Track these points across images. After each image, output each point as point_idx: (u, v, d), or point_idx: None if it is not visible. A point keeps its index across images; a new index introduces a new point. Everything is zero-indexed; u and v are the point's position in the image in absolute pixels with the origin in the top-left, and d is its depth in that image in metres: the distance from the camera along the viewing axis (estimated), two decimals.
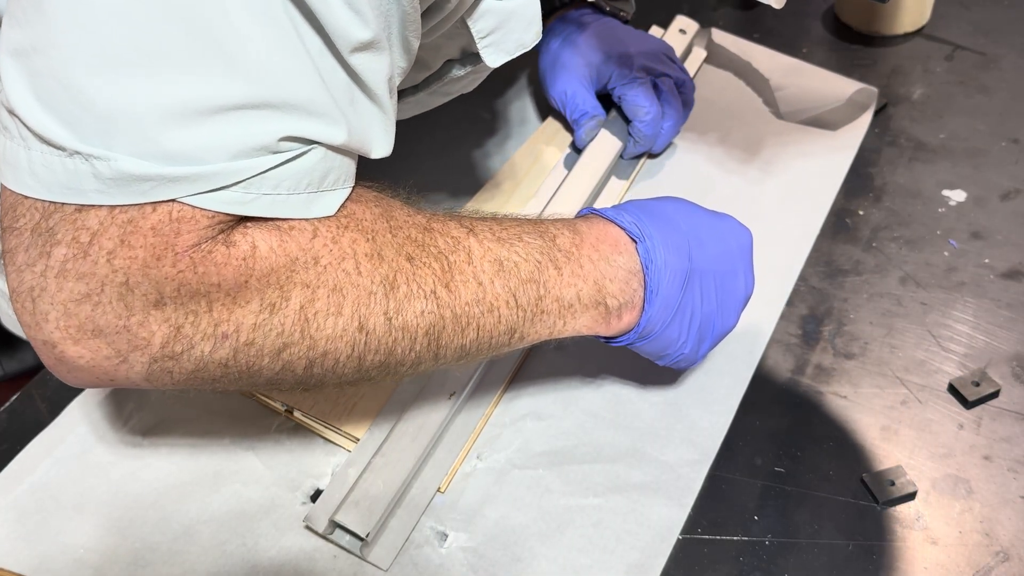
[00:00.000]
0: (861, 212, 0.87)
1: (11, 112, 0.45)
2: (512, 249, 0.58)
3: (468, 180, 0.89)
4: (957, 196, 0.88)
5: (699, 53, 1.01)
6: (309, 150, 0.48)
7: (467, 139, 0.93)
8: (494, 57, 0.62)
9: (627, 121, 0.88)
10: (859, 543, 0.65)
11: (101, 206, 0.45)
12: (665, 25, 1.01)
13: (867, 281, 0.81)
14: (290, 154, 0.47)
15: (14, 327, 0.84)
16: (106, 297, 0.46)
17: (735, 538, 0.66)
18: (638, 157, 0.90)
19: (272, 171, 0.47)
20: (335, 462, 0.70)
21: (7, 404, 0.74)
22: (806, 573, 0.64)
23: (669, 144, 0.91)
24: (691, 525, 0.66)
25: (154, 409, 0.72)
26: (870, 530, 0.66)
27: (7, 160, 0.46)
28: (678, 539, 0.66)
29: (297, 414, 0.71)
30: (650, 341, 0.63)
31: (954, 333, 0.77)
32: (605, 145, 0.88)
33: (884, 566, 0.64)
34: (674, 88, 0.88)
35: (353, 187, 0.53)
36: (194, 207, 0.46)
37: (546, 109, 0.95)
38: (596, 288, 0.60)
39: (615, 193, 0.87)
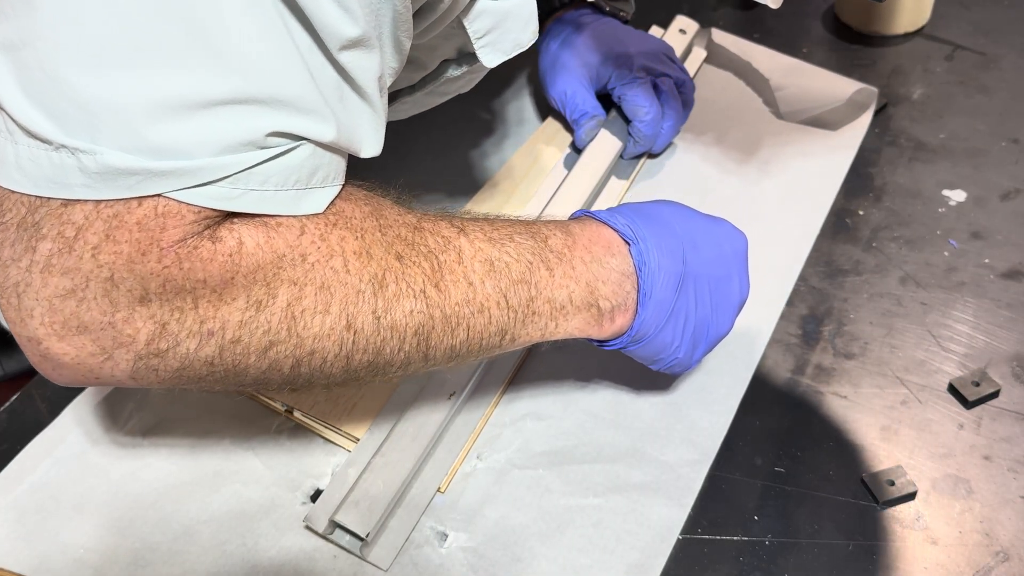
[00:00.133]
0: (861, 212, 0.87)
1: None
2: (503, 249, 0.57)
3: (466, 180, 0.89)
4: (957, 196, 0.88)
5: (699, 53, 1.01)
6: (297, 146, 0.48)
7: (465, 139, 0.93)
8: (491, 57, 0.62)
9: (627, 121, 0.88)
10: (859, 543, 0.65)
11: (87, 200, 0.45)
12: (665, 25, 1.01)
13: (867, 281, 0.81)
14: (278, 150, 0.47)
15: None
16: (91, 293, 0.45)
17: (735, 538, 0.66)
18: (638, 157, 0.90)
19: (259, 167, 0.47)
20: (335, 462, 0.70)
21: (7, 404, 0.74)
22: (806, 573, 0.64)
23: (669, 144, 0.91)
24: (691, 525, 0.66)
25: (154, 409, 0.72)
26: (870, 530, 0.66)
27: None
28: (678, 539, 0.66)
29: (297, 414, 0.71)
30: (643, 345, 0.62)
31: (954, 333, 0.77)
32: (605, 145, 0.88)
33: (884, 566, 0.64)
34: (674, 88, 0.88)
35: (343, 185, 0.52)
36: (180, 202, 0.45)
37: (545, 109, 0.95)
38: (588, 290, 0.59)
39: (615, 193, 0.88)
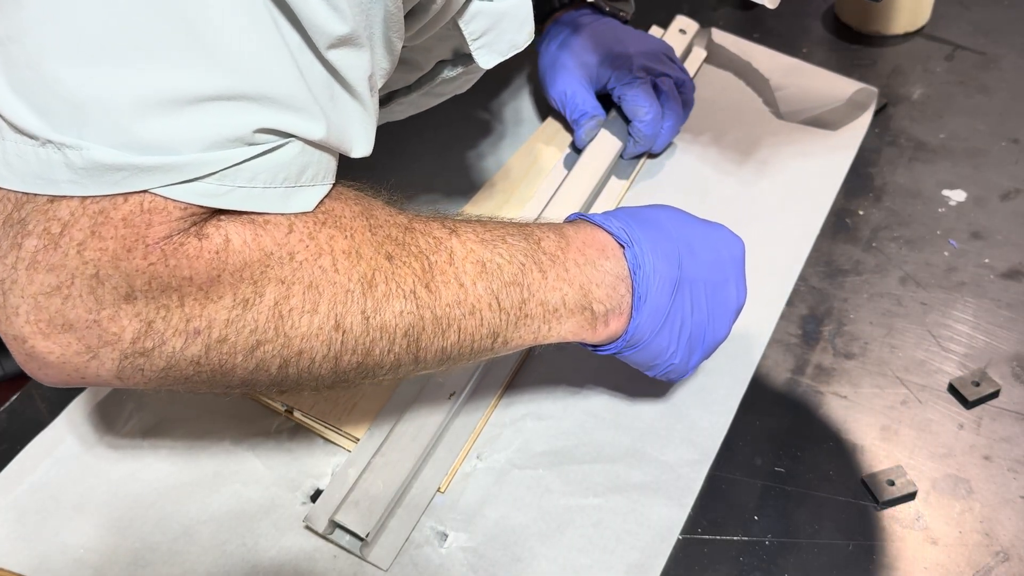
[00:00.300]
0: (861, 212, 0.87)
1: None
2: (495, 251, 0.57)
3: (464, 181, 0.89)
4: (957, 196, 0.88)
5: (699, 53, 1.01)
6: (286, 143, 0.47)
7: (464, 140, 0.93)
8: (487, 58, 0.61)
9: (627, 121, 0.88)
10: (859, 543, 0.65)
11: (73, 197, 0.44)
12: (665, 25, 1.01)
13: (867, 281, 0.81)
14: (266, 146, 0.47)
15: None
16: (76, 290, 0.45)
17: (735, 538, 0.66)
18: (638, 157, 0.90)
19: (247, 163, 0.46)
20: (335, 462, 0.70)
21: (7, 404, 0.74)
22: (806, 573, 0.64)
23: (669, 144, 0.91)
24: (691, 525, 0.66)
25: (154, 409, 0.72)
26: (870, 530, 0.66)
27: None
28: (678, 539, 0.66)
29: (297, 414, 0.71)
30: (639, 350, 0.62)
31: (954, 333, 0.77)
32: (605, 145, 0.88)
33: (884, 566, 0.64)
34: (674, 88, 0.88)
35: (333, 185, 0.52)
36: (166, 198, 0.45)
37: (545, 109, 0.95)
38: (582, 292, 0.59)
39: (615, 193, 0.88)
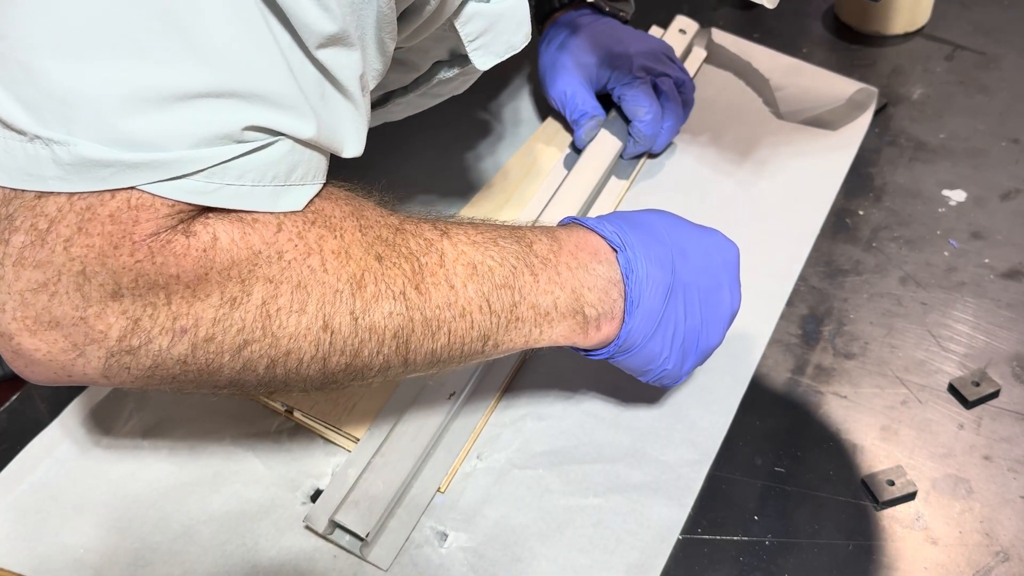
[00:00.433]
0: (861, 212, 0.87)
1: None
2: (487, 253, 0.56)
3: (464, 181, 0.89)
4: (957, 196, 0.88)
5: (699, 53, 1.01)
6: (275, 141, 0.47)
7: (463, 140, 0.93)
8: (484, 60, 0.61)
9: (627, 121, 0.88)
10: (859, 543, 0.65)
11: (60, 193, 0.44)
12: (665, 25, 1.01)
13: (867, 281, 0.81)
14: (255, 144, 0.46)
15: None
16: (63, 287, 0.45)
17: (735, 538, 0.66)
18: (638, 157, 0.90)
19: (236, 161, 0.46)
20: (335, 462, 0.70)
21: (7, 404, 0.74)
22: (806, 573, 0.64)
23: (669, 144, 0.91)
24: (691, 525, 0.66)
25: (154, 409, 0.72)
26: (870, 530, 0.66)
27: None
28: (678, 539, 0.66)
29: (297, 414, 0.71)
30: (631, 355, 0.61)
31: (954, 333, 0.77)
32: (605, 145, 0.88)
33: (884, 566, 0.64)
34: (674, 88, 0.88)
35: (324, 185, 0.51)
36: (154, 195, 0.45)
37: (545, 110, 0.95)
38: (574, 296, 0.58)
39: (615, 193, 0.88)
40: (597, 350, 0.62)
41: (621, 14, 0.94)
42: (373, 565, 0.64)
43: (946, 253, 0.83)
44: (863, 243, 0.84)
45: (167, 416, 0.72)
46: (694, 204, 0.87)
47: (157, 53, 0.43)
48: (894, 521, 0.66)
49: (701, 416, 0.72)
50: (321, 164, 0.51)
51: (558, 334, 0.59)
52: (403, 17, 0.56)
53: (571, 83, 0.89)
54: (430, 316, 0.53)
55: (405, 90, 0.73)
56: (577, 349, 0.62)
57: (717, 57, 1.01)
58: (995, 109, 0.95)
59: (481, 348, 0.57)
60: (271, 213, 0.49)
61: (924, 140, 0.93)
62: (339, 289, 0.50)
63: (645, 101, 0.86)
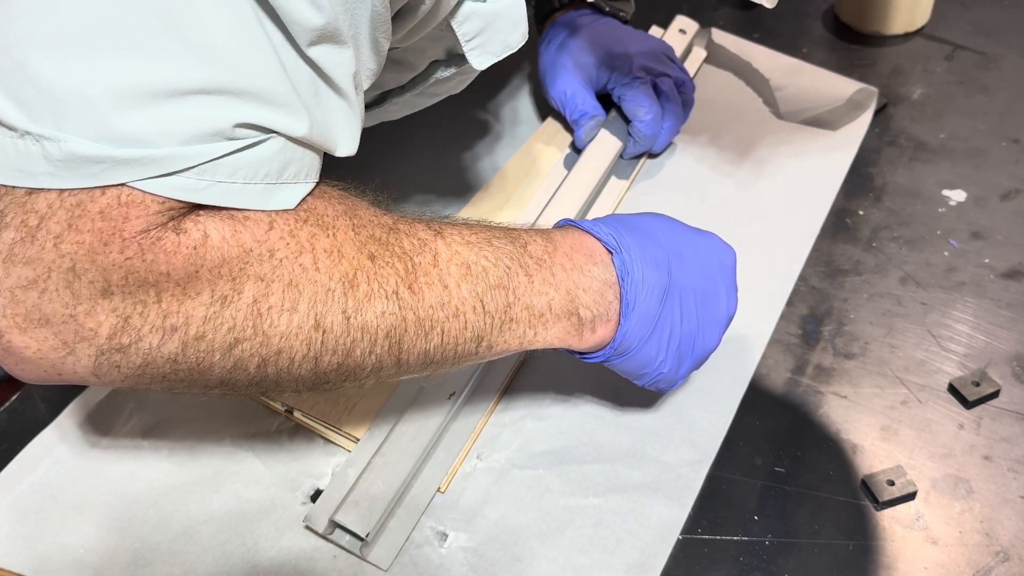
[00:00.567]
0: (861, 212, 0.87)
1: None
2: (481, 253, 0.56)
3: (463, 181, 0.89)
4: (957, 196, 0.88)
5: (699, 53, 1.01)
6: (267, 139, 0.47)
7: (462, 140, 0.93)
8: (480, 59, 0.61)
9: (627, 121, 0.88)
10: (859, 543, 0.65)
11: (51, 189, 0.44)
12: (665, 25, 1.01)
13: (867, 281, 0.81)
14: (246, 142, 0.46)
15: None
16: (52, 284, 0.44)
17: (735, 538, 0.66)
18: (638, 157, 0.90)
19: (227, 158, 0.46)
20: (335, 462, 0.70)
21: (7, 404, 0.74)
22: (806, 573, 0.64)
23: (669, 144, 0.91)
24: (691, 525, 0.66)
25: (154, 409, 0.72)
26: (870, 530, 0.66)
27: None
28: (678, 539, 0.66)
29: (297, 414, 0.71)
30: (627, 358, 0.61)
31: (954, 333, 0.77)
32: (605, 145, 0.88)
33: (884, 566, 0.64)
34: (674, 88, 0.88)
35: (317, 184, 0.51)
36: (144, 192, 0.44)
37: (544, 109, 0.95)
38: (569, 298, 0.58)
39: (615, 193, 0.88)
40: (592, 353, 0.62)
41: (621, 14, 0.94)
42: (373, 565, 0.64)
43: (946, 253, 0.83)
44: (863, 243, 0.84)
45: (167, 416, 0.72)
46: (694, 204, 0.87)
47: (149, 49, 0.43)
48: (894, 521, 0.66)
49: (701, 416, 0.72)
50: (314, 163, 0.51)
51: (553, 336, 0.59)
52: (398, 16, 0.56)
53: (571, 83, 0.89)
54: (423, 316, 0.53)
55: (402, 90, 0.72)
56: (572, 352, 0.62)
57: (717, 57, 1.01)
58: (995, 109, 0.95)
59: (475, 349, 0.56)
60: (263, 211, 0.48)
61: (924, 140, 0.93)
62: (331, 288, 0.50)
63: (645, 101, 0.86)
